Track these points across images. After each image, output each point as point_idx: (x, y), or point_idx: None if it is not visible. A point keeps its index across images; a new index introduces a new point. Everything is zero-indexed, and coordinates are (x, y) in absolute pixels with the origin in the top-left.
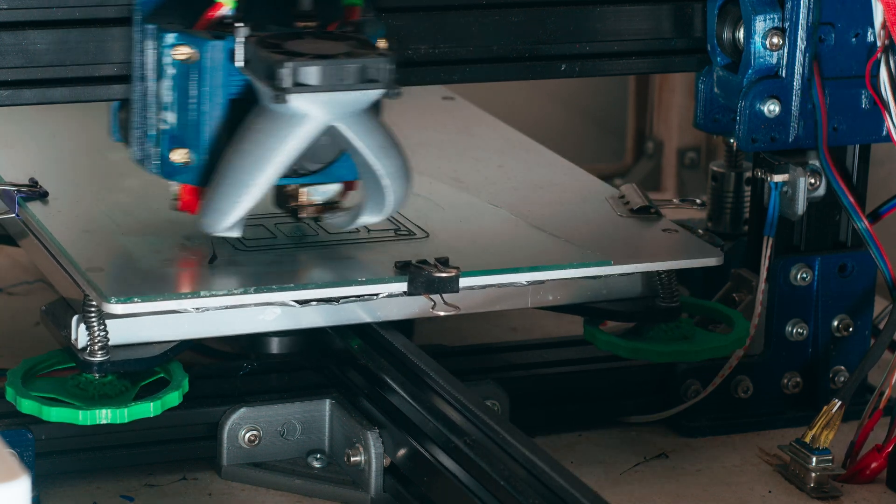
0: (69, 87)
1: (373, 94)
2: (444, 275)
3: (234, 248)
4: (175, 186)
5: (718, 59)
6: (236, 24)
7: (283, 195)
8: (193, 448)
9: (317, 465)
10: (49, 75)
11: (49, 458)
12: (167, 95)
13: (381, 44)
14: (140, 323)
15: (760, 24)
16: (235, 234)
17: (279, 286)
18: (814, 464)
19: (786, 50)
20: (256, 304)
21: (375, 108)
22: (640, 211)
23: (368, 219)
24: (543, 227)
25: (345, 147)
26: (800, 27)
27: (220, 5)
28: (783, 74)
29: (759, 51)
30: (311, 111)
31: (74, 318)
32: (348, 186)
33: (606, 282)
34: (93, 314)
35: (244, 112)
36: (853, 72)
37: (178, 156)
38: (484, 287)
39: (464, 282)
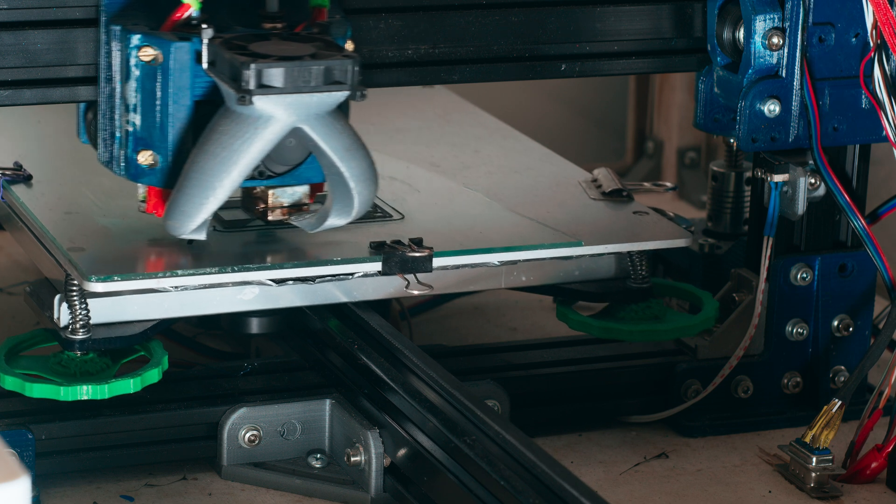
0: (69, 87)
1: (338, 95)
2: (417, 254)
3: (212, 229)
4: (142, 189)
5: (718, 58)
6: (202, 26)
7: (250, 197)
8: (193, 448)
9: (317, 465)
10: (49, 75)
11: (49, 458)
12: (133, 97)
13: (349, 45)
14: (121, 302)
15: (760, 24)
16: (201, 236)
17: (256, 265)
18: (814, 464)
19: (786, 50)
20: (234, 283)
21: (342, 110)
22: (611, 194)
23: (336, 221)
24: (517, 210)
25: (311, 149)
26: (800, 27)
27: (186, 7)
28: (783, 74)
29: (759, 51)
30: (276, 113)
31: (57, 297)
32: (316, 189)
33: (579, 263)
34: (74, 293)
35: (210, 114)
36: (853, 72)
37: (144, 158)
38: (457, 267)
39: (437, 262)
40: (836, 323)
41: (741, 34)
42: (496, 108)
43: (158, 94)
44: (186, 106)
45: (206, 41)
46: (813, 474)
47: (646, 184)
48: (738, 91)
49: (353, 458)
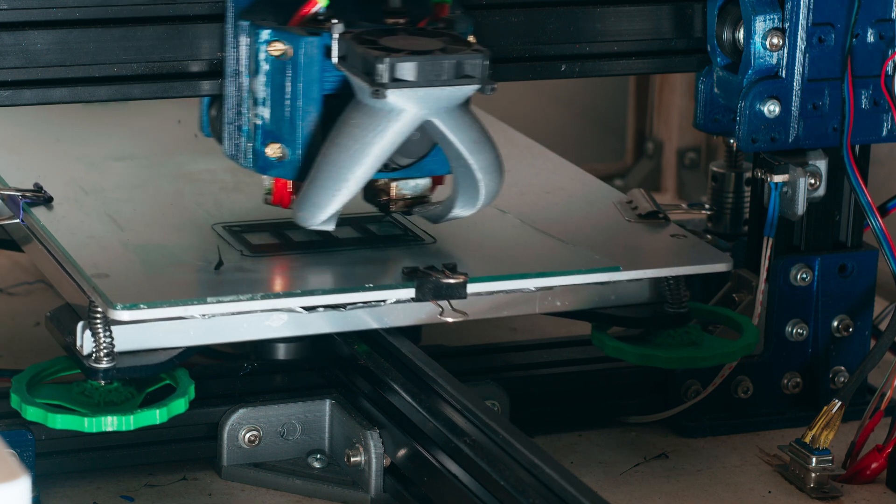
0: (69, 88)
1: (468, 89)
2: (451, 281)
3: (240, 255)
4: (268, 181)
5: (718, 59)
6: (332, 21)
7: (373, 190)
8: (193, 448)
9: (317, 465)
10: (50, 75)
11: (49, 458)
12: (261, 91)
13: (471, 39)
14: (146, 329)
15: (760, 25)
16: (330, 227)
17: (285, 292)
18: (814, 464)
19: (786, 50)
20: (263, 311)
21: (468, 103)
22: (648, 216)
23: (461, 212)
24: (551, 233)
25: (438, 141)
26: (800, 27)
27: (314, 2)
28: (783, 75)
29: (759, 51)
30: (408, 106)
31: (80, 325)
32: (437, 181)
33: (615, 287)
34: (98, 320)
35: (338, 108)
36: (853, 72)
37: (273, 150)
38: (492, 293)
39: (471, 288)
40: (835, 323)
41: (741, 34)
42: (496, 109)
43: (288, 88)
44: (316, 100)
45: (336, 36)
46: (813, 475)
47: (683, 205)
48: (737, 91)
49: (353, 459)
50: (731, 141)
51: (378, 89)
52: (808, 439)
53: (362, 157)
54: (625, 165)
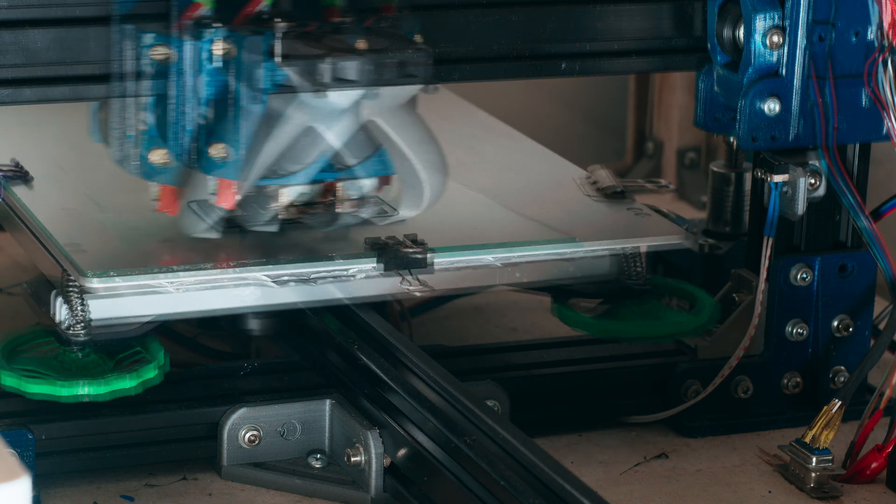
0: (70, 86)
1: (411, 88)
2: (413, 251)
3: (210, 228)
4: (155, 187)
5: (718, 57)
6: (275, 20)
7: (320, 190)
8: (193, 448)
9: (317, 465)
10: (50, 73)
11: (49, 458)
12: (204, 91)
13: (417, 39)
14: (119, 300)
15: (760, 23)
16: (272, 228)
17: (253, 261)
18: (814, 464)
19: (786, 48)
20: (231, 280)
21: (412, 103)
22: (610, 193)
23: (405, 213)
24: (515, 209)
25: (382, 141)
26: (800, 26)
27: (257, 1)
28: (783, 73)
29: (759, 49)
30: (349, 105)
31: (54, 294)
32: (383, 181)
33: (576, 262)
34: (73, 290)
35: (224, 112)
36: (853, 70)
37: (158, 157)
38: (453, 265)
39: (432, 259)
40: (835, 323)
41: (741, 33)
42: (497, 109)
43: (172, 92)
44: (259, 99)
45: (279, 35)
46: (813, 474)
47: (643, 182)
48: (738, 90)
49: (353, 458)
50: (732, 140)
51: (320, 88)
52: (808, 439)
53: (303, 156)
54: (625, 165)
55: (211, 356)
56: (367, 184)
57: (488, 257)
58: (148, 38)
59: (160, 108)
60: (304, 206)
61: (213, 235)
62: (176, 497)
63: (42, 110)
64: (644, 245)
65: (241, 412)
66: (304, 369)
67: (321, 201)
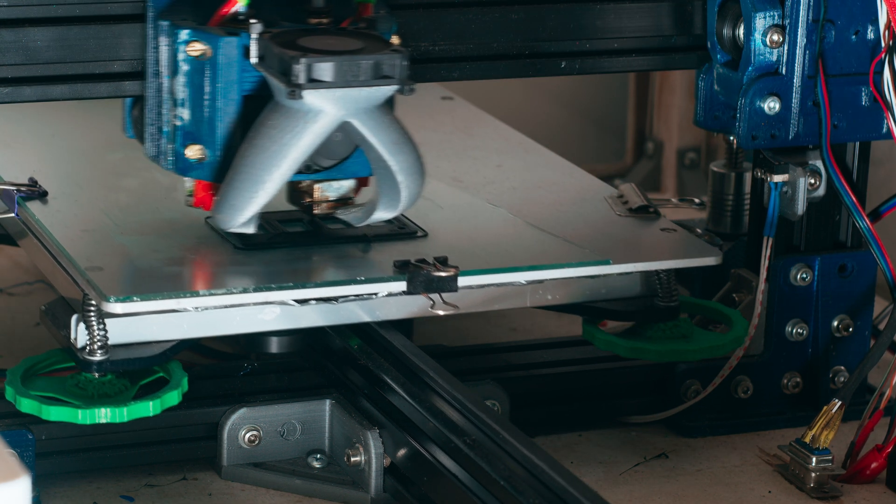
0: (69, 85)
1: (387, 89)
2: (442, 274)
3: (233, 248)
4: (189, 183)
5: (718, 56)
6: (251, 21)
7: (296, 192)
8: (193, 448)
9: (317, 465)
10: (50, 72)
11: (49, 458)
12: (181, 92)
13: (395, 40)
14: (139, 322)
15: (760, 22)
16: (250, 230)
17: (278, 285)
18: (814, 464)
19: (786, 47)
20: (255, 304)
21: (389, 104)
22: (638, 210)
23: (382, 215)
24: (542, 227)
25: (359, 143)
26: (800, 24)
27: (233, 2)
28: (783, 71)
29: (759, 48)
30: (326, 107)
31: (74, 318)
32: (361, 183)
33: (605, 281)
34: (92, 313)
35: (258, 108)
36: (853, 69)
37: (193, 152)
38: (483, 286)
39: (462, 281)
40: (835, 323)
41: (741, 31)
42: (497, 109)
43: (207, 88)
44: (235, 100)
45: (254, 36)
46: (813, 474)
47: (673, 199)
48: (737, 88)
49: (353, 459)
50: (731, 138)
51: (294, 90)
52: (808, 439)
53: (280, 158)
54: (625, 165)
55: (211, 356)
56: (345, 185)
57: (520, 279)
58: (184, 35)
59: (196, 104)
60: (335, 202)
61: (249, 230)
62: (176, 497)
63: (55, 122)
64: (676, 265)
65: (241, 412)
66: (304, 369)
67: (352, 197)
